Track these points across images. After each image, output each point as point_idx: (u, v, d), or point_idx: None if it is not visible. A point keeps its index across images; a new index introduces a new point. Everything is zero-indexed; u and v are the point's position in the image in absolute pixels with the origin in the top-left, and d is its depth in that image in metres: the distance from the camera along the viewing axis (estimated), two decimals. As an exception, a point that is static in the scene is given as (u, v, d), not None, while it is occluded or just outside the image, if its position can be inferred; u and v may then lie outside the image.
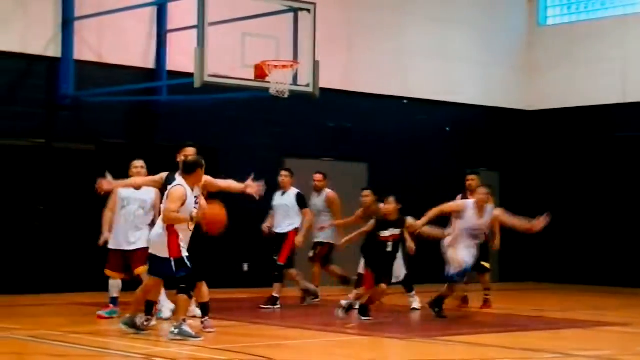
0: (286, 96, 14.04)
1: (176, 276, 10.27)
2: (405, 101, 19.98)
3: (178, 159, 11.38)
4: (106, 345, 10.15)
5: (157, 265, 10.41)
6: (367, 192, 14.44)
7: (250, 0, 14.44)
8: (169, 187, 10.48)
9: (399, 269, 13.77)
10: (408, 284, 14.24)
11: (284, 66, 13.94)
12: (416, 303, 14.14)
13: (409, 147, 19.96)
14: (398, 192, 19.58)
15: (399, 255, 13.64)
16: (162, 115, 16.99)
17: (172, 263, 10.23)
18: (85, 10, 16.02)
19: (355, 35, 19.34)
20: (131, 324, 10.63)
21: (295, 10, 14.46)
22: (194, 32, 13.67)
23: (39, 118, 15.94)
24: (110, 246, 12.21)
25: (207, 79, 13.45)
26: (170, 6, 16.77)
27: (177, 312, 10.38)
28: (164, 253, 10.28)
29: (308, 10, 14.39)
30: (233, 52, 14.12)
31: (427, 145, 20.21)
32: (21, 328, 11.15)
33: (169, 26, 16.89)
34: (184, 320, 10.27)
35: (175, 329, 10.22)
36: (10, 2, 15.68)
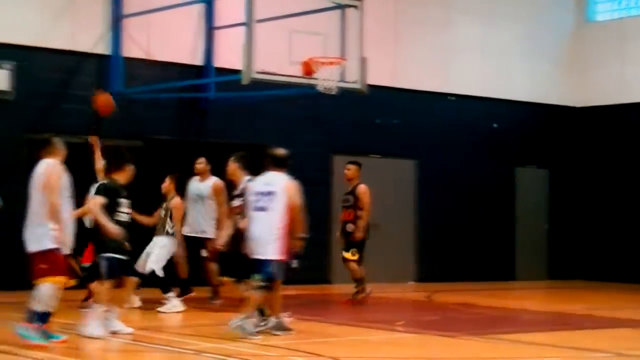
0: (334, 93, 14.03)
1: (275, 278, 10.37)
2: (452, 97, 19.89)
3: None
4: (153, 340, 10.18)
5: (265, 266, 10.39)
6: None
7: (298, -3, 14.49)
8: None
9: (151, 262, 12.75)
10: (164, 284, 12.88)
11: (331, 63, 13.91)
12: (168, 307, 12.64)
13: (457, 144, 19.84)
14: (445, 189, 19.62)
15: (158, 247, 12.79)
16: (209, 112, 17.05)
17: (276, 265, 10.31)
18: (134, 7, 16.12)
19: (402, 31, 19.27)
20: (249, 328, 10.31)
21: (342, 7, 14.43)
22: (242, 29, 13.69)
23: (89, 115, 16.04)
24: None
25: (254, 75, 13.46)
26: (218, 3, 16.83)
27: (247, 307, 10.29)
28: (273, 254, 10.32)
29: (355, 7, 14.36)
30: (280, 49, 14.12)
31: (475, 142, 20.08)
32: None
33: (217, 23, 16.94)
34: (249, 317, 10.22)
35: (240, 321, 10.14)
36: (61, 0, 15.84)
